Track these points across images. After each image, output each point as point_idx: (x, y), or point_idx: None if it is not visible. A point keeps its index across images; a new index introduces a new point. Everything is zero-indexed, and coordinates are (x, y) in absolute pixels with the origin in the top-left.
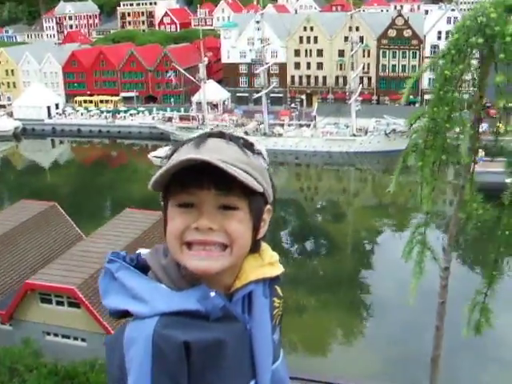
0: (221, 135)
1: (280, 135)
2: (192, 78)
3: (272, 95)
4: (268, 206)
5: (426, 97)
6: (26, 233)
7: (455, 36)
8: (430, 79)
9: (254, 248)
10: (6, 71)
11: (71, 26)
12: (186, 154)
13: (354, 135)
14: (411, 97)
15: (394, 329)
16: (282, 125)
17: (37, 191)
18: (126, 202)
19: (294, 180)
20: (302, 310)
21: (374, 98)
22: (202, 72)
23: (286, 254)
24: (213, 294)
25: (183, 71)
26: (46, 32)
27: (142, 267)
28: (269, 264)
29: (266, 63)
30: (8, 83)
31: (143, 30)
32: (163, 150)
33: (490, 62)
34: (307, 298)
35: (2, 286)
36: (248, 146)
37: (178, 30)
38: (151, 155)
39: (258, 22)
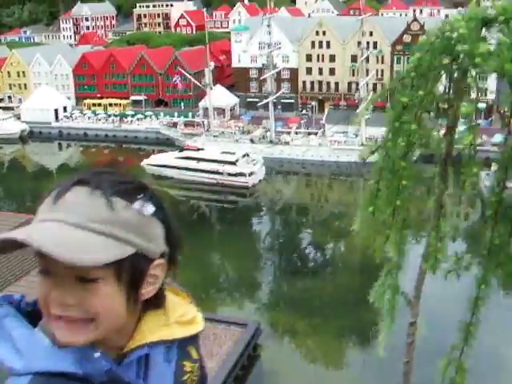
0: (88, 182)
1: (287, 143)
2: (198, 83)
3: (283, 101)
4: (159, 261)
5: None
6: None
7: (416, 55)
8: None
9: (156, 304)
10: (18, 73)
11: (88, 27)
12: (41, 212)
13: (363, 145)
14: None
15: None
16: (289, 132)
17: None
18: None
19: (300, 190)
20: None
21: (388, 105)
22: (208, 77)
23: (280, 270)
24: (97, 354)
25: (189, 76)
26: (62, 33)
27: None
28: (176, 323)
29: (275, 67)
30: (19, 85)
31: (159, 32)
32: (156, 158)
33: (461, 86)
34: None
35: None
36: (128, 194)
37: (194, 32)
38: (144, 163)
39: (268, 26)
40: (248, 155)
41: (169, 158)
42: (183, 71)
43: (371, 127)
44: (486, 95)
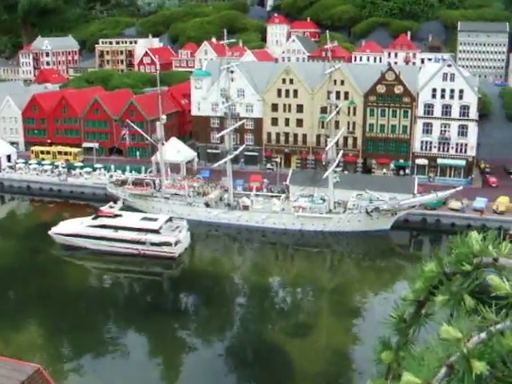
0: None
1: (246, 208)
2: (149, 138)
3: (246, 153)
4: None
5: (418, 161)
6: None
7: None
8: (422, 142)
9: None
10: None
11: (48, 63)
12: None
13: (331, 211)
14: (401, 161)
15: None
16: (249, 195)
17: None
18: None
19: (258, 262)
20: None
21: (360, 161)
22: (160, 132)
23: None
24: None
25: (138, 129)
26: (22, 68)
27: None
28: None
29: (237, 117)
30: None
31: (121, 70)
32: (66, 226)
33: None
34: None
35: None
36: None
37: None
38: (52, 232)
39: (231, 72)
40: (171, 220)
41: (81, 225)
42: (131, 123)
43: (340, 189)
44: (465, 151)
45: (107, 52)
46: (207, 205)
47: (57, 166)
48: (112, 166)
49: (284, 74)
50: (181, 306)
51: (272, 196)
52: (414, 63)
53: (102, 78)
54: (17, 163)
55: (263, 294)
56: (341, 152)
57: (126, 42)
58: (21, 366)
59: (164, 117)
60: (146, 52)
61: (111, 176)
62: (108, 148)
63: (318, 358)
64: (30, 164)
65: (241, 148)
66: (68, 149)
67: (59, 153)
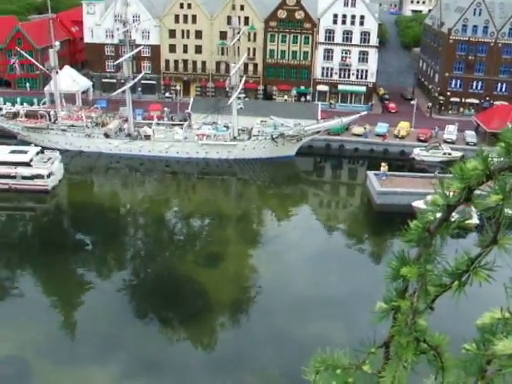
0: None
1: (148, 138)
2: (41, 67)
3: (144, 82)
4: None
5: (319, 88)
6: None
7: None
8: (323, 68)
9: None
10: None
11: None
12: None
13: (236, 138)
14: (302, 87)
15: None
16: (151, 124)
17: None
18: None
19: (162, 193)
20: None
21: (261, 87)
22: (53, 59)
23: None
24: None
25: (29, 57)
26: None
27: None
28: None
29: (133, 45)
30: None
31: None
32: None
33: None
34: None
35: None
36: None
37: None
38: None
39: None
40: (43, 152)
41: None
42: (22, 51)
43: (244, 117)
44: (366, 77)
45: None
46: (107, 135)
47: None
48: (1, 99)
49: None
50: (70, 241)
51: (174, 125)
52: None
53: None
54: None
55: (165, 225)
56: (243, 78)
57: None
58: None
59: (57, 43)
60: None
61: (0, 109)
62: None
63: (228, 287)
64: None
65: (139, 76)
66: None
67: None
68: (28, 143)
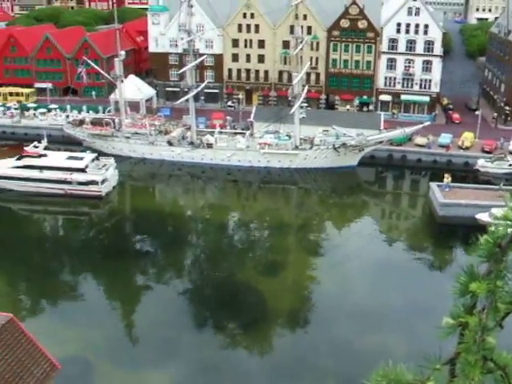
0: None
1: (210, 146)
2: (107, 75)
3: (206, 90)
4: None
5: (382, 97)
6: None
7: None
8: (386, 78)
9: None
10: None
11: None
12: None
13: (297, 148)
14: (365, 97)
15: None
16: (213, 132)
17: None
18: None
19: (223, 200)
20: None
21: (323, 97)
22: (119, 68)
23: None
24: None
25: (95, 66)
26: None
27: None
28: None
29: (197, 54)
30: None
31: (71, 8)
32: None
33: None
34: None
35: None
36: None
37: (111, 7)
38: None
39: (190, 7)
40: (98, 159)
41: (4, 167)
42: (89, 60)
43: (306, 126)
44: (429, 87)
45: None
46: (170, 143)
47: (9, 108)
48: (68, 107)
49: (245, 8)
50: (128, 246)
51: (236, 133)
52: None
53: (51, 16)
54: None
55: (225, 233)
56: (306, 87)
57: None
58: None
59: (123, 53)
60: None
61: (67, 116)
62: (62, 88)
63: (288, 296)
64: None
65: (202, 85)
66: (20, 89)
67: (10, 94)
68: (93, 150)
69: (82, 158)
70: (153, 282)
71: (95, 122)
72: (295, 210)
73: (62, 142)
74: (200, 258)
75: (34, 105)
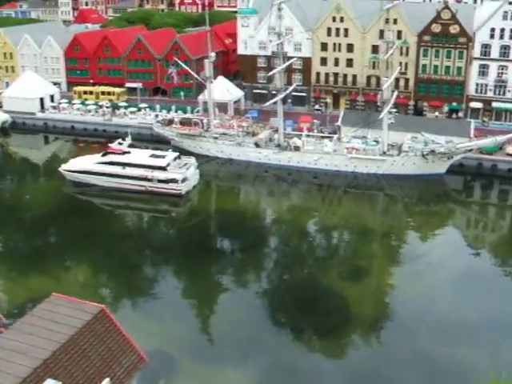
0: None
1: (297, 149)
2: (196, 76)
3: (294, 93)
4: None
5: (472, 104)
6: None
7: None
8: (477, 84)
9: None
10: (5, 54)
11: (86, 3)
12: None
13: (385, 153)
14: (454, 104)
15: None
16: (300, 135)
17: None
18: None
19: (308, 204)
20: None
21: (411, 103)
22: (208, 70)
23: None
24: None
25: (186, 67)
26: (60, 8)
27: None
28: None
29: (286, 57)
30: (6, 67)
31: (162, 10)
32: (76, 163)
33: None
34: None
35: None
36: None
37: (200, 10)
38: (62, 168)
39: (280, 10)
40: (180, 157)
41: (90, 162)
42: (180, 61)
43: (394, 131)
44: None
45: None
46: (257, 145)
47: (101, 106)
48: (157, 106)
49: (334, 12)
50: (208, 245)
51: (323, 137)
52: (465, 2)
53: (142, 18)
54: (60, 103)
55: (308, 236)
56: (395, 93)
57: None
58: (85, 305)
59: (213, 54)
60: None
61: (156, 116)
62: (152, 88)
63: (369, 302)
64: (74, 104)
65: (291, 88)
66: (111, 89)
67: (102, 93)
68: (181, 149)
69: (163, 157)
70: (232, 282)
71: (184, 122)
72: (380, 216)
73: (150, 140)
74: (281, 260)
75: (125, 104)
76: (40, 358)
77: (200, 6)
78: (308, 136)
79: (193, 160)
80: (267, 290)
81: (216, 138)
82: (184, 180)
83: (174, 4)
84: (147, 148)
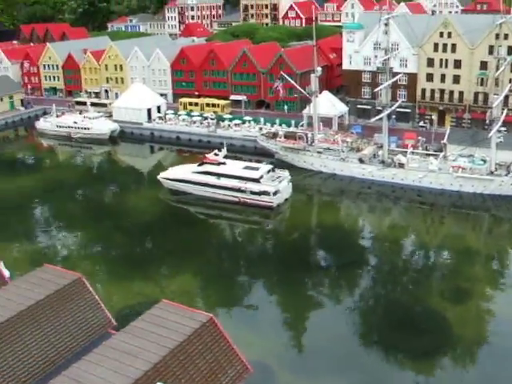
0: None
1: (401, 166)
2: (302, 91)
3: (398, 109)
4: None
5: None
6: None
7: None
8: None
9: None
10: (115, 66)
11: (192, 17)
12: None
13: (493, 173)
14: None
15: None
16: (405, 152)
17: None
18: None
19: (411, 222)
20: None
21: None
22: (314, 84)
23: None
24: None
25: (292, 81)
26: (167, 22)
27: None
28: None
29: (391, 72)
30: (116, 79)
31: (266, 24)
32: (173, 172)
33: None
34: None
35: None
36: None
37: (304, 24)
38: (160, 176)
39: (386, 25)
40: (274, 170)
41: (187, 172)
42: (286, 75)
43: (503, 151)
44: None
45: (251, 6)
46: (361, 161)
47: (206, 118)
48: (261, 119)
49: (442, 28)
50: (300, 259)
51: (428, 154)
52: None
53: (247, 32)
54: (166, 114)
55: (408, 255)
56: (505, 111)
57: None
58: (194, 313)
59: (319, 69)
60: (291, 6)
61: (260, 129)
62: (255, 101)
63: (473, 326)
64: (180, 115)
65: (396, 104)
66: (216, 101)
67: (207, 105)
68: (284, 162)
69: (257, 169)
70: (329, 297)
71: (288, 136)
72: (485, 237)
73: (254, 153)
74: (379, 277)
75: (229, 116)
76: (151, 362)
77: (304, 20)
78: (413, 153)
79: (286, 173)
80: (364, 307)
81: (320, 152)
82: (276, 193)
83: (278, 18)
84: (250, 160)
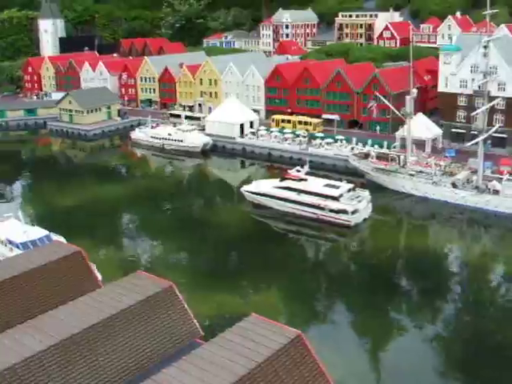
0: None
1: (496, 192)
2: (396, 112)
3: (494, 135)
4: None
5: None
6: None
7: None
8: None
9: None
10: (210, 81)
11: (287, 35)
12: None
13: None
14: None
15: None
16: (501, 179)
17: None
18: None
19: (502, 251)
20: None
21: None
22: (409, 106)
23: None
24: None
25: (386, 102)
26: (262, 39)
27: None
28: None
29: (489, 96)
30: (210, 93)
31: (360, 44)
32: (256, 186)
33: None
34: None
35: None
36: None
37: (398, 45)
38: (244, 189)
39: (485, 48)
40: (354, 189)
41: (269, 186)
42: (380, 96)
43: None
44: None
45: (346, 25)
46: (454, 185)
47: (298, 135)
48: (354, 139)
49: None
50: (379, 281)
51: None
52: None
53: (341, 52)
54: (259, 130)
55: (498, 285)
56: None
57: (365, 16)
58: (282, 329)
59: (415, 91)
60: (387, 26)
61: (352, 148)
62: (348, 121)
63: None
64: (272, 132)
65: (493, 129)
66: (308, 119)
67: (299, 122)
68: (375, 183)
69: (337, 187)
70: (409, 322)
71: (380, 157)
72: None
73: (344, 172)
74: (461, 305)
75: (321, 134)
76: (238, 374)
77: (399, 41)
78: (509, 180)
79: (366, 193)
80: (447, 335)
81: (412, 175)
82: (354, 212)
83: (373, 38)
84: (340, 180)
